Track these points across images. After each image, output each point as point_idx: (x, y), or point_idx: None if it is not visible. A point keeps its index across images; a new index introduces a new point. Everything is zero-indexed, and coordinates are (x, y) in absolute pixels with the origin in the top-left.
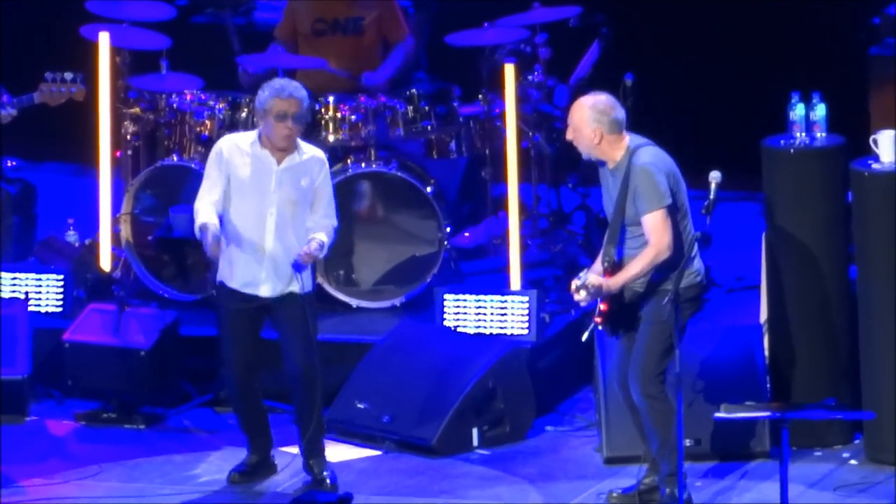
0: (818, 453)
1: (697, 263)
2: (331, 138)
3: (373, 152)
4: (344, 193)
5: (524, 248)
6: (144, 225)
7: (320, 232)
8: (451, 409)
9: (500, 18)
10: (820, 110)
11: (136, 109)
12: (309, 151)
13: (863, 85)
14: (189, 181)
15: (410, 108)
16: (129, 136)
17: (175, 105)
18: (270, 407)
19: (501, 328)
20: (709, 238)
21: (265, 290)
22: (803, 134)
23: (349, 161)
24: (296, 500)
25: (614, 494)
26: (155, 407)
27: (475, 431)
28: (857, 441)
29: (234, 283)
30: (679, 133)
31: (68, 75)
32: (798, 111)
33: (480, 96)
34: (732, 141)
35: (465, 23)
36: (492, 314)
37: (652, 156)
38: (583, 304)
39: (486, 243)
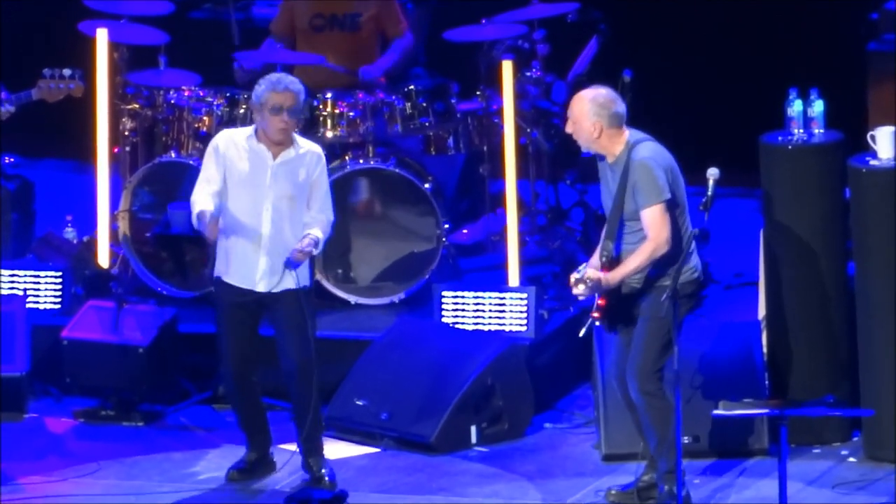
0: (817, 450)
1: (695, 260)
2: (329, 135)
3: (371, 149)
4: (342, 190)
5: (522, 244)
6: (143, 222)
7: (315, 228)
8: (449, 406)
9: (498, 14)
10: (818, 106)
11: (135, 105)
12: (305, 146)
13: (861, 81)
14: (187, 178)
15: (408, 104)
16: (127, 133)
17: (173, 101)
18: (269, 404)
19: (500, 325)
20: (707, 234)
21: (261, 285)
22: (801, 130)
23: (347, 157)
24: (290, 498)
25: (612, 492)
26: (153, 404)
27: (474, 428)
28: (855, 438)
29: (231, 277)
30: (677, 129)
31: (66, 72)
32: (796, 107)
33: (478, 92)
34: (730, 137)
35: (463, 19)
36: (490, 311)
37: (651, 151)
38: (581, 297)
39: (485, 240)
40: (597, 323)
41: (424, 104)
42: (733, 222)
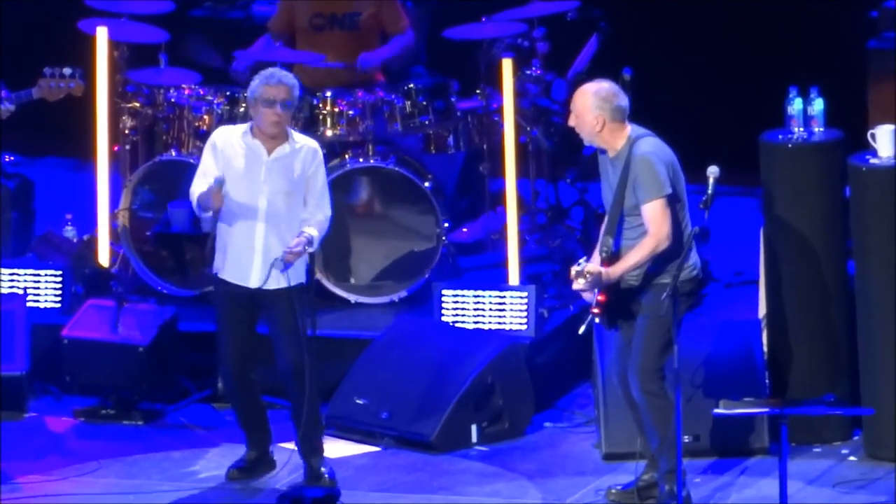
0: (817, 449)
1: (694, 257)
2: (328, 133)
3: (370, 147)
4: (342, 188)
5: (522, 243)
6: (143, 220)
7: (311, 226)
8: (449, 404)
9: (498, 12)
10: (818, 105)
11: (135, 104)
12: (301, 142)
13: (861, 79)
14: (187, 176)
15: (408, 102)
16: (127, 131)
17: (173, 100)
18: (269, 403)
19: (500, 323)
20: (707, 233)
21: (255, 282)
22: (801, 129)
23: (347, 156)
24: (283, 496)
25: (613, 491)
26: (153, 403)
27: (474, 427)
28: (856, 437)
29: (227, 273)
30: (677, 128)
31: (67, 70)
32: (796, 106)
33: (478, 91)
34: (730, 136)
35: (463, 17)
36: (490, 309)
37: (652, 146)
38: (581, 291)
39: (485, 238)
40: (596, 320)
41: (424, 102)
42: (733, 221)
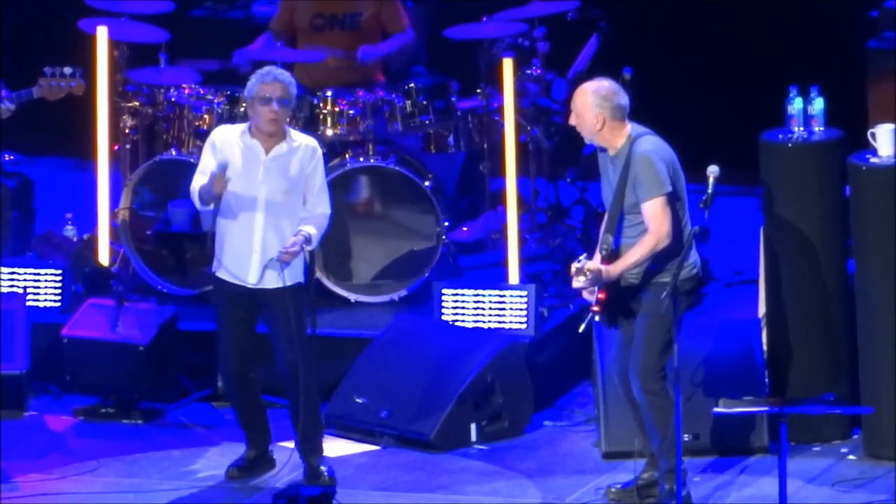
0: (817, 448)
1: (694, 256)
2: (329, 133)
3: (371, 147)
4: (342, 188)
5: (522, 242)
6: (143, 219)
7: (309, 224)
8: (449, 403)
9: (499, 12)
10: (818, 104)
11: (135, 103)
12: (300, 140)
13: (861, 79)
14: (187, 176)
15: (408, 102)
16: (127, 130)
17: (173, 99)
18: (269, 402)
19: (500, 323)
20: (707, 232)
21: (253, 280)
22: (801, 128)
23: (347, 155)
24: (279, 494)
25: (613, 490)
26: (153, 402)
27: (473, 426)
28: (855, 436)
29: (226, 273)
30: (677, 127)
31: (67, 70)
32: (796, 105)
33: (479, 90)
34: (730, 135)
35: (463, 16)
36: (490, 309)
37: (653, 144)
38: (581, 289)
39: (485, 238)
40: (596, 318)
41: (425, 102)
42: (733, 220)
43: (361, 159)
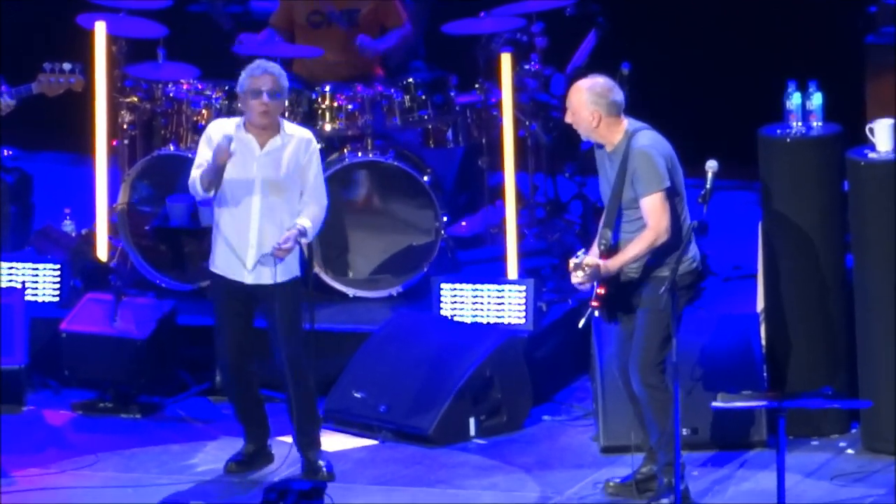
0: (815, 442)
1: (693, 250)
2: (327, 127)
3: (369, 141)
4: (340, 183)
5: (521, 237)
6: (141, 214)
7: (304, 217)
8: (447, 398)
9: (497, 7)
10: (816, 99)
11: (133, 98)
12: (293, 133)
13: (859, 74)
14: (186, 170)
15: (407, 97)
16: (125, 126)
17: (172, 94)
18: (267, 396)
19: (498, 317)
20: (705, 227)
21: (250, 277)
22: (800, 123)
23: (346, 150)
24: (269, 488)
25: (611, 484)
26: (152, 396)
27: (472, 421)
28: (854, 430)
29: (223, 269)
30: (675, 122)
31: (67, 66)
32: (794, 100)
33: (477, 85)
34: (729, 130)
35: (461, 12)
36: (489, 303)
37: (650, 139)
38: (579, 284)
39: (483, 232)
40: (596, 313)
41: (423, 97)
42: (732, 215)
43: (360, 154)
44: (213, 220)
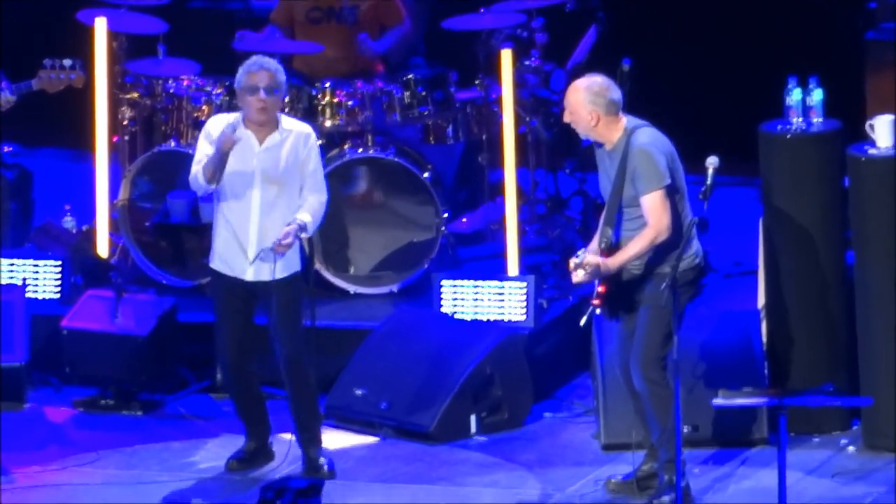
0: (816, 440)
1: (696, 246)
2: (327, 123)
3: (369, 138)
4: (341, 179)
5: (521, 233)
6: (142, 211)
7: (303, 212)
8: (448, 395)
9: (497, 3)
10: (817, 95)
11: (134, 95)
12: (292, 127)
13: (859, 70)
14: (186, 167)
15: (407, 93)
16: (126, 122)
17: (172, 90)
18: (268, 394)
19: (499, 314)
20: (706, 223)
21: (250, 274)
22: (800, 119)
23: (346, 146)
24: (266, 486)
25: (612, 481)
26: (153, 393)
27: (473, 418)
28: (855, 427)
29: (223, 266)
30: (676, 118)
31: (67, 62)
32: (795, 96)
33: (477, 81)
34: (729, 126)
35: (461, 8)
36: (489, 300)
37: (650, 136)
38: (580, 283)
39: (484, 229)
40: (597, 311)
41: (423, 93)
42: (732, 211)
43: (360, 150)
44: (213, 217)
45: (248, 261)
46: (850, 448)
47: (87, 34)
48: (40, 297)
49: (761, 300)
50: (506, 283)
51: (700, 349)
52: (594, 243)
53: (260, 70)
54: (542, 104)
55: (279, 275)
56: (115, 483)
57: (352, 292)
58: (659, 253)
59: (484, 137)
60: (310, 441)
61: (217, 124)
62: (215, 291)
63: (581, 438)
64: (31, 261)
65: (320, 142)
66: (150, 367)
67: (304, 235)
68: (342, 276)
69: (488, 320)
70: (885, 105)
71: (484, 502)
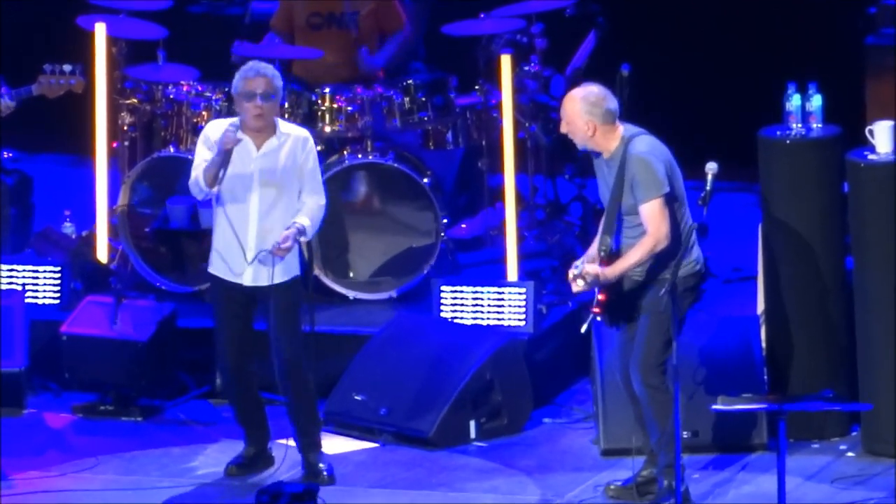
0: (815, 445)
1: (696, 252)
2: (327, 129)
3: (369, 143)
4: (340, 184)
5: (521, 239)
6: (141, 216)
7: (302, 216)
8: (448, 401)
9: (497, 8)
10: (816, 101)
11: (133, 100)
12: (289, 132)
13: (859, 75)
14: (186, 172)
15: (407, 98)
16: (125, 127)
17: (172, 96)
18: (268, 399)
19: (498, 319)
20: (705, 229)
21: (248, 279)
22: (799, 124)
23: (345, 152)
24: (262, 491)
25: (612, 487)
26: (152, 399)
27: (472, 423)
28: (854, 433)
29: (222, 271)
30: (675, 124)
31: (67, 67)
32: (794, 102)
33: (477, 87)
34: (729, 131)
35: (461, 13)
36: (489, 305)
37: (648, 145)
38: (580, 292)
39: (483, 234)
40: (598, 318)
41: (423, 98)
42: (732, 217)
43: (360, 156)
44: (212, 222)
45: (247, 266)
46: (850, 453)
47: (87, 39)
48: (40, 302)
49: (761, 306)
50: (505, 289)
51: (700, 355)
52: (592, 249)
53: (256, 76)
54: (542, 109)
55: (278, 279)
56: (114, 489)
57: (351, 298)
58: (659, 260)
59: (483, 143)
60: (309, 446)
61: (215, 129)
62: (215, 297)
63: (580, 444)
64: (30, 266)
65: (319, 147)
66: (150, 372)
67: (303, 239)
68: (342, 281)
69: (488, 326)
70: (884, 110)
71: None
